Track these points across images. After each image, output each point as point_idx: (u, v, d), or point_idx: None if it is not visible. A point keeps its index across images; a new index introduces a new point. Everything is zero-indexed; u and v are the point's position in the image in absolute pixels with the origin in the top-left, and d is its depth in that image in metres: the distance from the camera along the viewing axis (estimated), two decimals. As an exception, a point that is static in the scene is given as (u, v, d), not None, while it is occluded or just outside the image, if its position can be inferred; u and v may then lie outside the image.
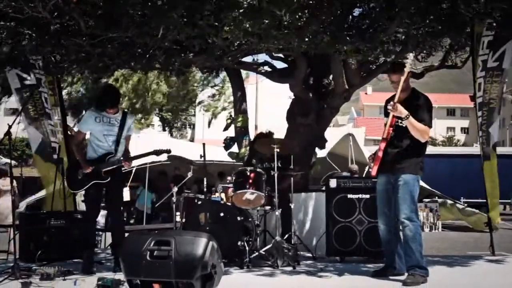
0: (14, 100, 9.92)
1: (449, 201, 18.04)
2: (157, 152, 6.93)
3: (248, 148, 10.28)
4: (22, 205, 14.78)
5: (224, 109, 29.33)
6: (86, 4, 6.56)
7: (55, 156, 9.02)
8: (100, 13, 6.82)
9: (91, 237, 7.18)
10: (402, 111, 5.89)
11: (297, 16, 6.01)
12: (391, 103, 5.95)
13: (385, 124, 6.19)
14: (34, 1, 6.33)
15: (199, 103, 37.73)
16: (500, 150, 9.03)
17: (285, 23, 6.30)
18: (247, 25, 6.27)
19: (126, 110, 7.76)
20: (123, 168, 7.00)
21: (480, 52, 8.29)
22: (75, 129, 8.44)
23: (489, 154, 8.45)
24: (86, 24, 6.92)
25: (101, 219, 9.89)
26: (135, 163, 13.90)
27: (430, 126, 6.07)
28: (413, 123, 5.91)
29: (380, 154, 6.09)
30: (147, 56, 7.92)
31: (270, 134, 8.81)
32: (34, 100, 8.97)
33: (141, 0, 6.24)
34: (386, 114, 6.22)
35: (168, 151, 7.01)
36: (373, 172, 6.24)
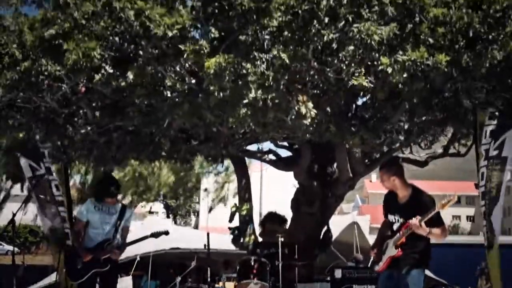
0: (19, 187, 10.08)
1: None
2: (155, 235, 6.88)
3: (252, 237, 10.18)
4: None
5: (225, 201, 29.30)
6: (93, 94, 6.67)
7: (68, 242, 8.93)
8: (107, 103, 6.93)
9: None
10: (426, 229, 5.76)
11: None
12: (418, 223, 5.72)
13: (390, 225, 6.13)
14: (43, 91, 6.43)
15: (205, 190, 37.59)
16: (505, 239, 8.89)
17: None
18: (250, 122, 6.34)
19: (124, 203, 7.77)
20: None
21: (483, 141, 8.33)
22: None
23: (492, 244, 8.35)
24: (93, 113, 7.03)
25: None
26: (138, 250, 13.79)
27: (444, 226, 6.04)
28: (434, 234, 5.85)
29: (390, 258, 6.00)
30: (153, 144, 8.00)
31: None
32: (44, 188, 9.01)
33: (146, 92, 6.33)
34: (389, 211, 6.19)
35: (166, 233, 6.99)
36: (380, 268, 6.14)
